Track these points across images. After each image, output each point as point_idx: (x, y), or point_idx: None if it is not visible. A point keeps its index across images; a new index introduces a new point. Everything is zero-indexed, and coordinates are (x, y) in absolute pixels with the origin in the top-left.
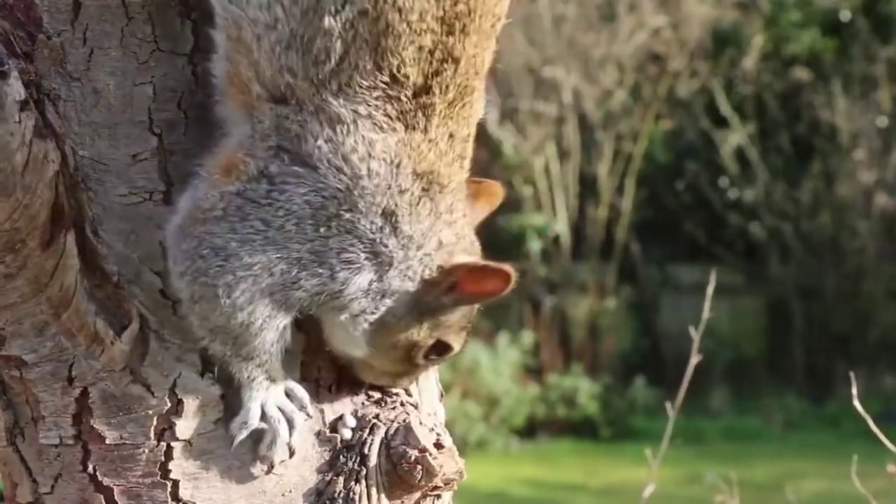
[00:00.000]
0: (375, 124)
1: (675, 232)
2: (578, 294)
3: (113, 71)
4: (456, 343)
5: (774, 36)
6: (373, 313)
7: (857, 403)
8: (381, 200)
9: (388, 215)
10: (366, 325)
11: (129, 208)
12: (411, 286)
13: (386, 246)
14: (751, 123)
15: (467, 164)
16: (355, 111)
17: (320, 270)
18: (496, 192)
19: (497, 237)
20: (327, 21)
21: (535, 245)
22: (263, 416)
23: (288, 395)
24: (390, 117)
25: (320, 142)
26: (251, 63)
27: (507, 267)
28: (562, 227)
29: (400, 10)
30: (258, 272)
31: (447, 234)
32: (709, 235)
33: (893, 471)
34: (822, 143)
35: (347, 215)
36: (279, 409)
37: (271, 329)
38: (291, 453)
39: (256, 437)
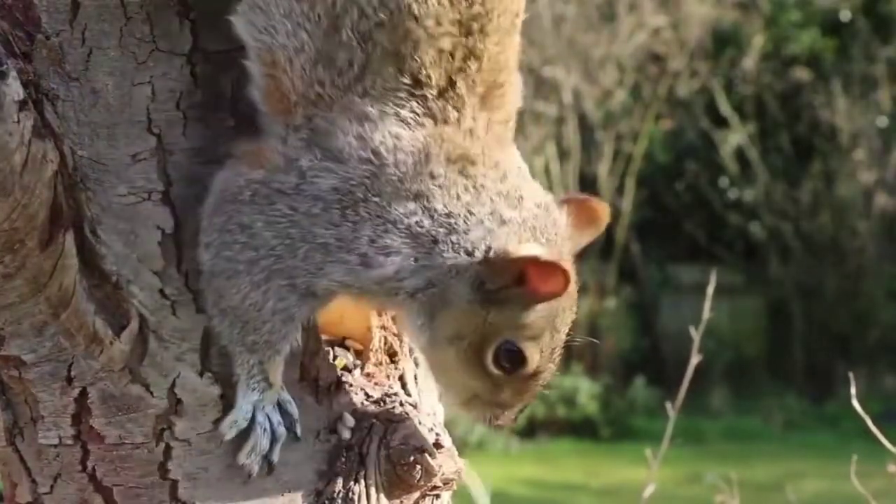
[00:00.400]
0: (402, 120)
1: (675, 232)
2: (578, 294)
3: (111, 71)
4: (531, 353)
5: (774, 36)
6: (430, 288)
7: (856, 404)
8: (411, 186)
9: (420, 198)
10: (423, 300)
11: (128, 208)
12: (468, 261)
13: (422, 226)
14: (751, 123)
15: (510, 143)
16: (381, 110)
17: (348, 258)
18: (601, 213)
19: None
20: (345, 35)
21: None
22: (252, 420)
23: (280, 407)
24: (417, 114)
25: (350, 137)
26: (287, 81)
27: (569, 265)
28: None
29: (416, 18)
30: (280, 252)
31: (510, 213)
32: (709, 235)
33: (894, 470)
34: (822, 143)
35: (376, 199)
36: (268, 417)
37: (283, 317)
38: (270, 469)
39: (239, 442)
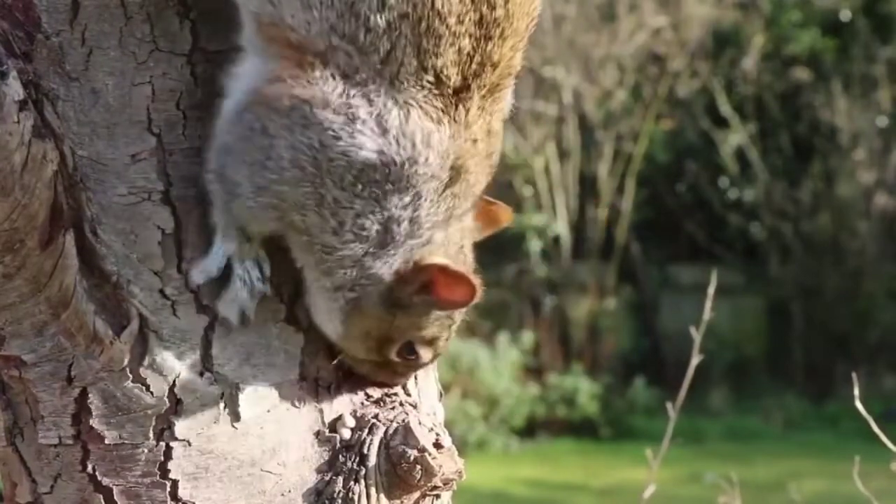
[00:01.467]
0: (428, 115)
1: (675, 232)
2: (578, 294)
3: (112, 71)
4: (424, 353)
5: (775, 36)
6: (351, 291)
7: (858, 404)
8: (419, 186)
9: (416, 198)
10: (342, 303)
11: (128, 208)
12: (388, 274)
13: (399, 225)
14: (751, 123)
15: (494, 163)
16: (408, 102)
17: (329, 219)
18: (503, 217)
19: (497, 237)
20: (371, 20)
21: (535, 245)
22: (228, 271)
23: (259, 263)
24: (440, 111)
25: (393, 114)
26: (300, 36)
27: (476, 279)
28: (562, 227)
29: (440, 14)
30: (286, 177)
31: (439, 235)
32: (709, 235)
33: None
34: (822, 143)
35: (388, 187)
36: (247, 271)
37: (258, 216)
38: (245, 321)
39: (218, 292)
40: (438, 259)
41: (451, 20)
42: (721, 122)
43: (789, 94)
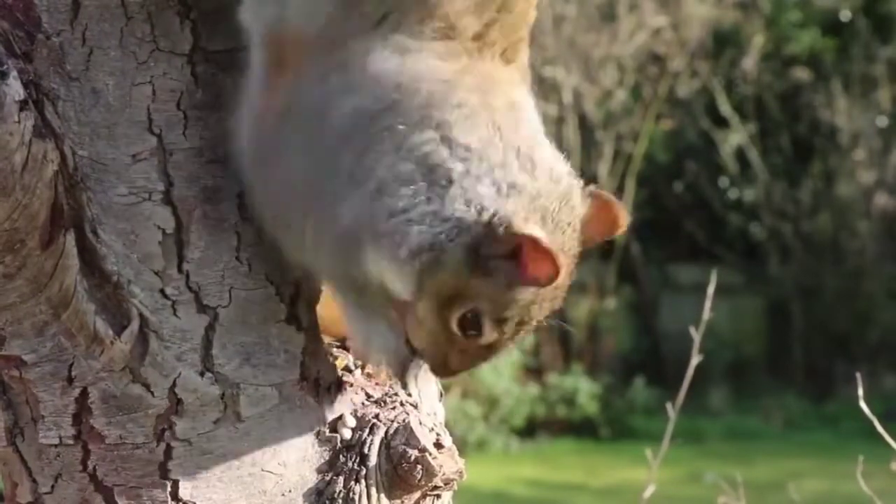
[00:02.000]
0: (437, 53)
1: (675, 232)
2: (578, 294)
3: (112, 71)
4: (488, 330)
5: (774, 36)
6: (430, 251)
7: (862, 404)
8: (435, 113)
9: (441, 126)
10: (418, 265)
11: (128, 208)
12: (472, 217)
13: (439, 156)
14: (751, 123)
15: (527, 82)
16: (418, 42)
17: (369, 186)
18: (621, 223)
19: None
20: None
21: None
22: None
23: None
24: (452, 51)
25: (387, 64)
26: (293, 50)
27: (565, 260)
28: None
29: None
30: (312, 176)
31: (522, 178)
32: (709, 235)
33: None
34: (822, 143)
35: (401, 127)
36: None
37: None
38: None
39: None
40: (532, 228)
41: None
42: (721, 122)
43: (789, 94)
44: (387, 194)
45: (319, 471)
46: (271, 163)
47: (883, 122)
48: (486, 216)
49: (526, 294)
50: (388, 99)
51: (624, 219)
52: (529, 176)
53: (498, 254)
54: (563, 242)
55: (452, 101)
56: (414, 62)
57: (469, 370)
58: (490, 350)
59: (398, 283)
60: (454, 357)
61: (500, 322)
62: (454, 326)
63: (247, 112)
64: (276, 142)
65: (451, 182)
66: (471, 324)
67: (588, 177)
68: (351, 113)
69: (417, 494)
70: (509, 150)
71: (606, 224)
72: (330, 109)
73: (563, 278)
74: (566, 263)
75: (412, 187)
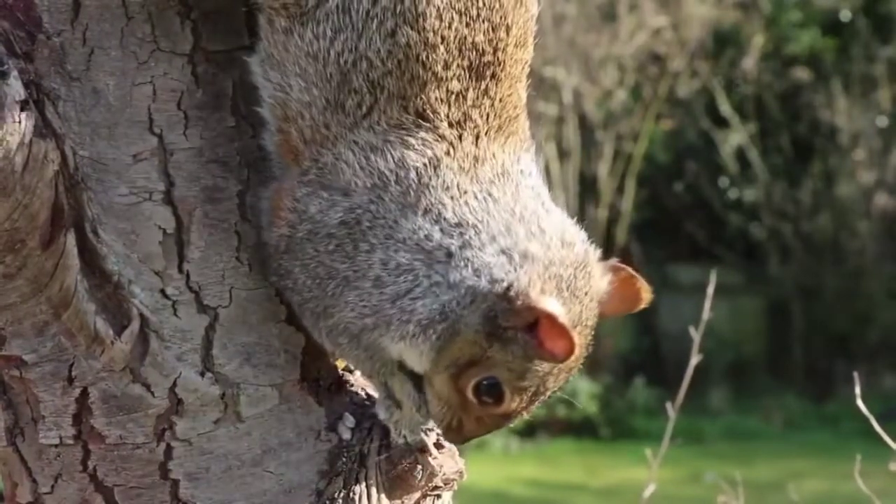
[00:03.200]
0: (407, 146)
1: (675, 232)
2: None
3: (113, 71)
4: (509, 398)
5: (775, 36)
6: (443, 321)
7: (860, 403)
8: (417, 200)
9: (428, 212)
10: (433, 337)
11: (129, 208)
12: (487, 288)
13: (431, 240)
14: (751, 123)
15: (530, 163)
16: (387, 139)
17: (363, 284)
18: (643, 299)
19: None
20: (355, 83)
21: None
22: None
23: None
24: (426, 140)
25: (356, 167)
26: (296, 133)
27: (579, 339)
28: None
29: (424, 65)
30: (315, 293)
31: (535, 247)
32: (709, 235)
33: None
34: (822, 143)
35: (382, 222)
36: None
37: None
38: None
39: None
40: (551, 305)
41: (438, 68)
42: (721, 122)
43: (789, 94)
44: (387, 286)
45: (319, 471)
46: (285, 265)
47: (883, 122)
48: (500, 287)
49: (544, 365)
50: (370, 195)
51: (647, 294)
52: (540, 243)
53: (516, 325)
54: (580, 312)
55: (434, 184)
56: (392, 154)
57: (482, 436)
58: (505, 418)
59: (414, 359)
60: (469, 424)
61: (518, 391)
62: (470, 394)
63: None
64: (285, 250)
65: (450, 256)
66: (488, 391)
67: (588, 177)
68: (339, 219)
69: (417, 494)
70: (511, 218)
71: (629, 300)
72: (322, 218)
73: (580, 353)
74: (583, 338)
75: (411, 274)
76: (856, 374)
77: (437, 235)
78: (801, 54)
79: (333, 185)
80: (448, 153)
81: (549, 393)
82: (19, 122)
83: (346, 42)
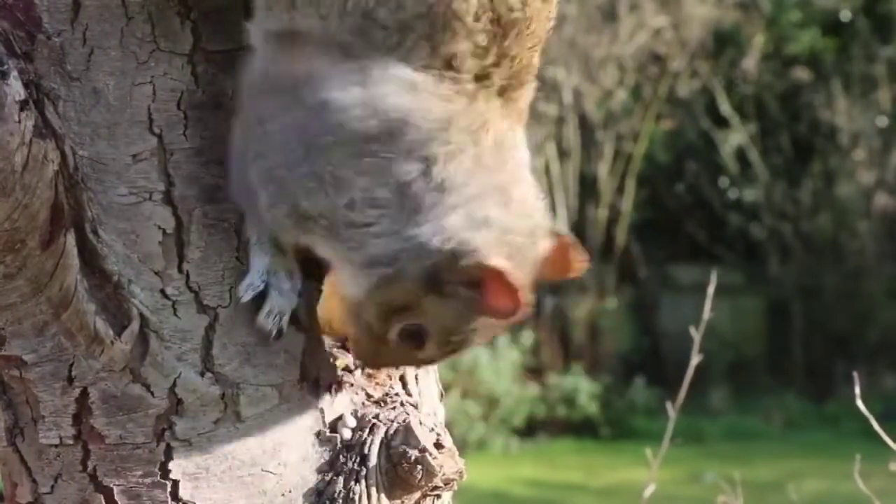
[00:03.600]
0: (433, 94)
1: (675, 232)
2: (578, 294)
3: (112, 71)
4: (430, 347)
5: (775, 36)
6: (388, 266)
7: (860, 403)
8: (424, 149)
9: (426, 160)
10: (374, 279)
11: (128, 208)
12: (436, 244)
13: (413, 188)
14: (751, 123)
15: (522, 135)
16: (413, 80)
17: (336, 197)
18: (576, 265)
19: None
20: (384, 18)
21: None
22: (267, 284)
23: (291, 275)
24: (450, 91)
25: (390, 88)
26: (310, 24)
27: (526, 297)
28: (562, 227)
29: (455, 13)
30: (283, 162)
31: (496, 212)
32: (709, 235)
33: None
34: (822, 143)
35: (389, 156)
36: (281, 281)
37: (276, 218)
38: (280, 334)
39: (255, 306)
40: (500, 262)
41: (468, 18)
42: (721, 122)
43: (789, 94)
44: (355, 210)
45: (319, 471)
46: (263, 114)
47: (883, 122)
48: (450, 245)
49: (478, 321)
50: (386, 129)
51: (579, 264)
52: (503, 210)
53: (459, 280)
54: (524, 277)
55: (442, 138)
56: (417, 100)
57: (395, 368)
58: (423, 362)
59: (349, 285)
60: (386, 355)
61: (442, 343)
62: (393, 334)
63: (257, 67)
64: (277, 100)
65: (418, 210)
66: (410, 336)
67: (588, 177)
68: (349, 123)
69: (417, 494)
70: (488, 186)
71: (561, 267)
72: (335, 109)
73: (524, 312)
74: (526, 299)
75: (381, 211)
76: (856, 374)
77: (421, 184)
78: (801, 54)
79: (365, 80)
80: (464, 110)
81: (471, 346)
82: (19, 121)
83: None
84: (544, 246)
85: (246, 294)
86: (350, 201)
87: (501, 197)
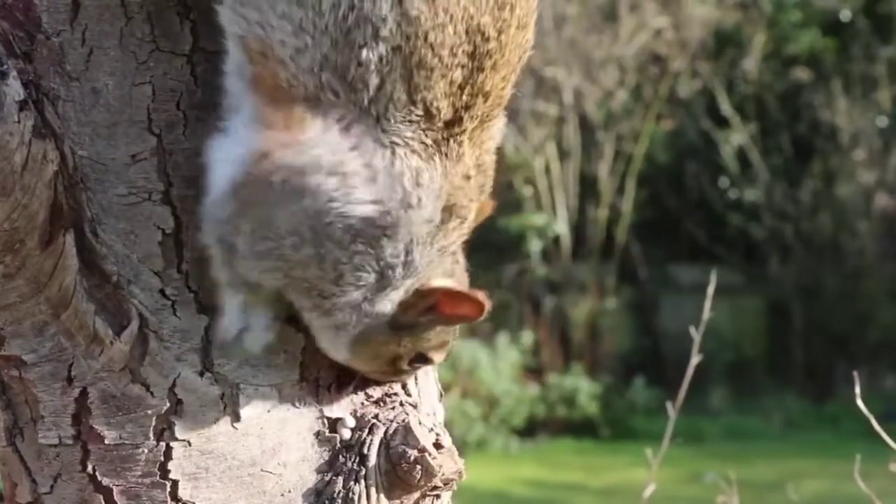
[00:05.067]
0: (417, 153)
1: (675, 232)
2: (578, 294)
3: (112, 71)
4: (437, 357)
5: (775, 36)
6: (354, 328)
7: (860, 403)
8: (413, 230)
9: (410, 243)
10: (346, 339)
11: (128, 208)
12: (390, 309)
13: (394, 271)
14: (751, 124)
15: (486, 195)
16: (394, 142)
17: (329, 272)
18: (486, 209)
19: (497, 237)
20: (363, 54)
21: (535, 245)
22: (245, 320)
23: (266, 308)
24: (428, 147)
25: (379, 155)
26: (285, 73)
27: (482, 295)
28: (562, 227)
29: (432, 46)
30: (287, 248)
31: (423, 253)
32: (709, 235)
33: None
34: (822, 143)
35: (383, 238)
36: (257, 317)
37: (265, 279)
38: (266, 350)
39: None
40: (440, 282)
41: (444, 52)
42: (722, 123)
43: (789, 94)
44: (340, 285)
45: (319, 471)
46: (252, 209)
47: (883, 122)
48: (395, 302)
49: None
50: (386, 207)
51: (487, 204)
52: (428, 248)
53: (418, 313)
54: (459, 267)
55: (428, 218)
56: (402, 166)
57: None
58: (445, 359)
59: (330, 350)
60: (401, 375)
61: (441, 346)
62: (405, 368)
63: (235, 154)
64: (268, 196)
65: (387, 289)
66: (418, 361)
67: (588, 177)
68: (357, 213)
69: (417, 495)
70: (440, 249)
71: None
72: (327, 210)
73: (487, 304)
74: (482, 296)
75: (359, 291)
76: (856, 374)
77: (399, 270)
78: (801, 54)
79: (369, 165)
80: (446, 183)
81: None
82: (19, 122)
83: None
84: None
85: (227, 334)
86: (338, 276)
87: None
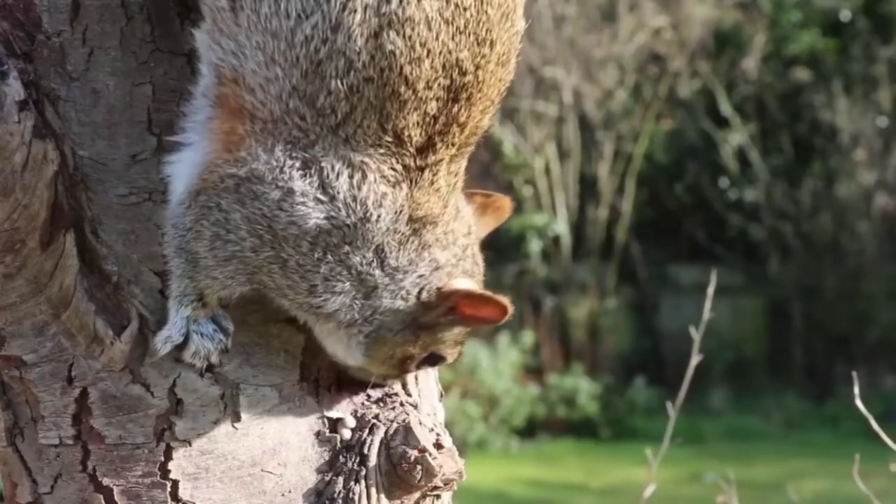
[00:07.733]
0: (385, 177)
1: (675, 232)
2: (578, 294)
3: (112, 71)
4: (450, 356)
5: (775, 36)
6: (366, 325)
7: (859, 403)
8: (377, 239)
9: (378, 251)
10: (361, 338)
11: (128, 208)
12: (404, 305)
13: (372, 275)
14: (751, 124)
15: (459, 188)
16: (367, 162)
17: (299, 283)
18: (504, 206)
19: (497, 237)
20: (332, 84)
21: (535, 245)
22: (188, 334)
23: (215, 321)
24: (397, 172)
25: (341, 180)
26: (253, 100)
27: (504, 299)
28: (562, 227)
29: (407, 80)
30: (248, 246)
31: (443, 255)
32: (709, 235)
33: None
34: (822, 143)
35: (346, 248)
36: (201, 328)
37: (227, 284)
38: (211, 368)
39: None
40: (461, 284)
41: (420, 85)
42: (721, 123)
43: (789, 95)
44: (317, 295)
45: (319, 471)
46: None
47: (883, 122)
48: (412, 298)
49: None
50: (342, 221)
51: (506, 203)
52: (450, 253)
53: (438, 314)
54: (479, 268)
55: (392, 229)
56: (369, 188)
57: None
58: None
59: (342, 354)
60: (408, 373)
61: (455, 345)
62: (412, 369)
63: (190, 165)
64: (222, 208)
65: (376, 288)
66: (430, 361)
67: (588, 177)
68: (315, 222)
69: (417, 494)
70: (436, 253)
71: (494, 217)
72: (286, 211)
73: (510, 307)
74: (504, 300)
75: (340, 297)
76: (855, 374)
77: (377, 273)
78: (801, 54)
79: (322, 182)
80: (408, 194)
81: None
82: (19, 122)
83: (317, 29)
84: (469, 212)
85: (164, 347)
86: (311, 287)
87: (446, 242)
